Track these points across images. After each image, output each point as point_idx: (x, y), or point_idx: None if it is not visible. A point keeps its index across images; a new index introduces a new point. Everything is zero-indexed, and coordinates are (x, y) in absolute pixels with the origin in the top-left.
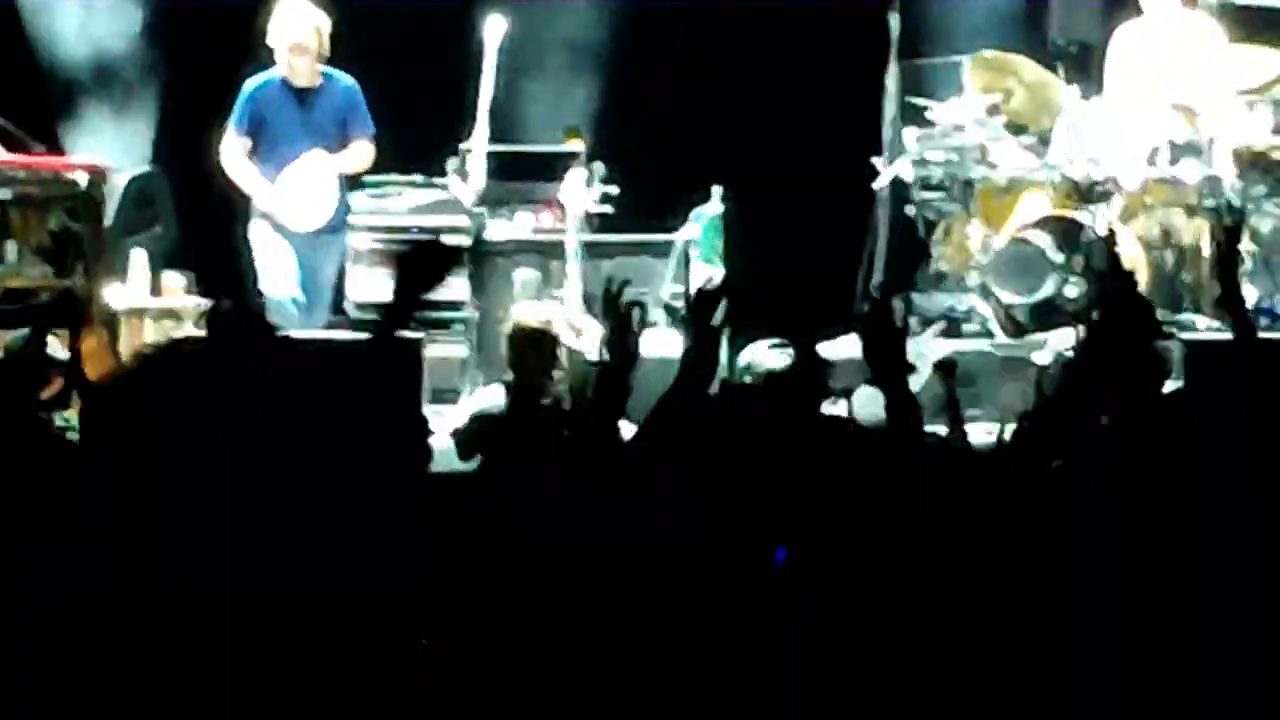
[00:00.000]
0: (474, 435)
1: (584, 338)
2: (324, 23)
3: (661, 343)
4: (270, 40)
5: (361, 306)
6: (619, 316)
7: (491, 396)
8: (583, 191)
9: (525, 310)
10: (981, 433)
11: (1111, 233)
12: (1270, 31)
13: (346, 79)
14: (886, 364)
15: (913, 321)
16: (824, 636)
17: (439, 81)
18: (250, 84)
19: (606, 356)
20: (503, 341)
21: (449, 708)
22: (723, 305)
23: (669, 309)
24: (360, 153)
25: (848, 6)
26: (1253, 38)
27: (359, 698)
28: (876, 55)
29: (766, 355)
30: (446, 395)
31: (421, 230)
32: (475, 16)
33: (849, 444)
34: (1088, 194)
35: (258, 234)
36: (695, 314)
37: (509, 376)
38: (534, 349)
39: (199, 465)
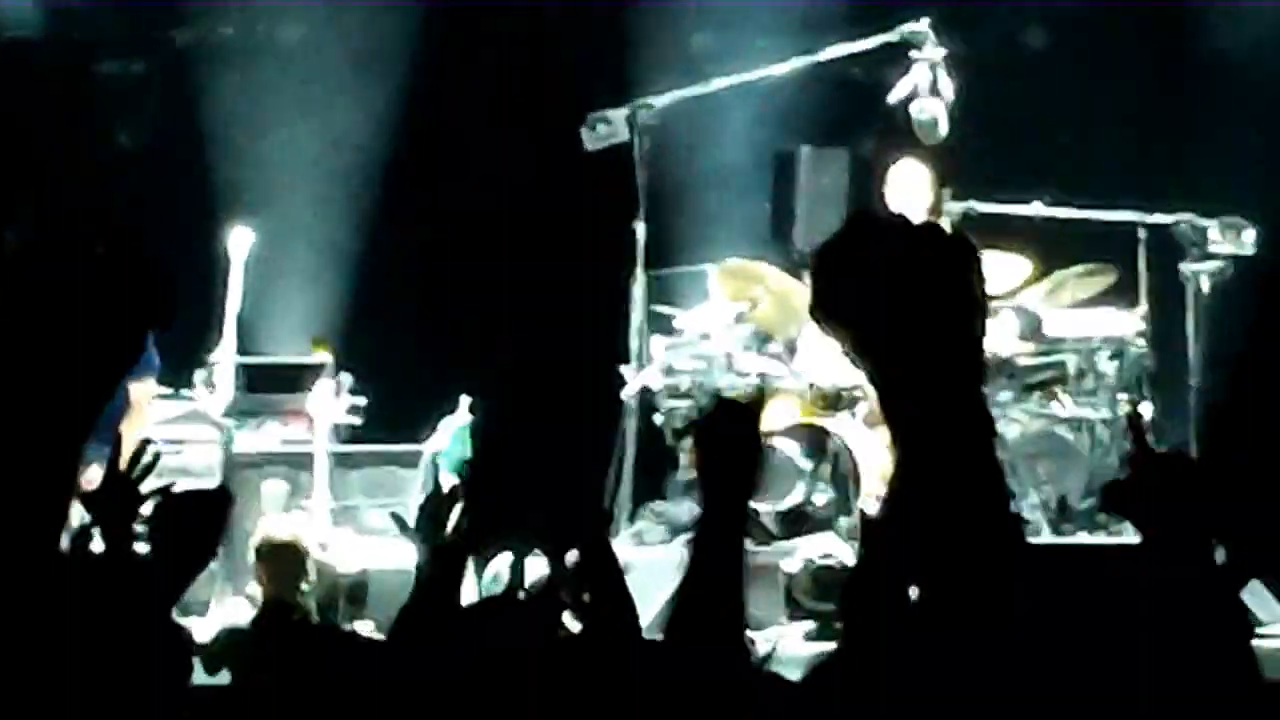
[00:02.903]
0: (221, 650)
1: (330, 551)
2: None
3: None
4: None
5: None
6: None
7: (238, 610)
8: (331, 402)
9: (273, 523)
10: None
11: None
12: (1013, 238)
13: None
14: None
15: (661, 530)
16: None
17: (185, 294)
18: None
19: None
20: (251, 554)
21: None
22: (456, 511)
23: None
24: None
25: (594, 216)
26: (997, 244)
27: None
28: (622, 264)
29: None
30: (194, 607)
31: (168, 442)
32: (220, 227)
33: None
34: (835, 401)
35: None
36: (427, 520)
37: (256, 590)
38: (282, 562)
39: None
